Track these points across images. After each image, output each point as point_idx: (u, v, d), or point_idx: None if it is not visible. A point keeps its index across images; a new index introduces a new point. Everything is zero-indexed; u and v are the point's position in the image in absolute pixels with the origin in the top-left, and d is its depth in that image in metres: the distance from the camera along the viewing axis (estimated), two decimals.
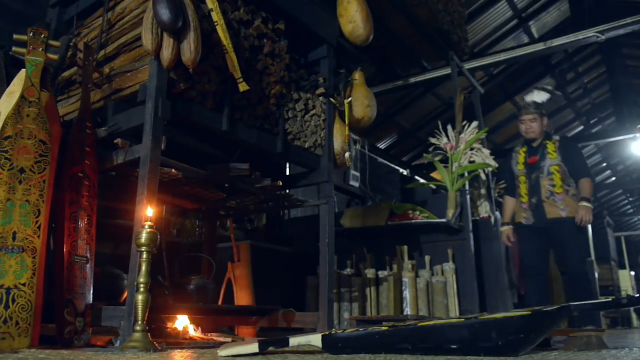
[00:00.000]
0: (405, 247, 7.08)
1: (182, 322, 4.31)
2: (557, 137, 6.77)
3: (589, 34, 8.57)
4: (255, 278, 6.24)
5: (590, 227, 14.26)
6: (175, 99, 3.76)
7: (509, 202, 7.00)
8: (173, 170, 3.92)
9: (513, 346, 2.66)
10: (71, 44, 4.36)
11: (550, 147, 6.66)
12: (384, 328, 2.83)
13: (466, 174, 7.30)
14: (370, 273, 7.10)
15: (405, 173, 14.21)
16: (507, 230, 6.91)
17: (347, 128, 5.16)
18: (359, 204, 10.81)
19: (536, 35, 13.38)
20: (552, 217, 6.47)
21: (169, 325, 4.23)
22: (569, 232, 6.41)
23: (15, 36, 3.67)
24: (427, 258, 7.09)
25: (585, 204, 6.35)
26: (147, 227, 3.12)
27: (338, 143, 5.11)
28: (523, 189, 6.76)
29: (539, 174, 6.62)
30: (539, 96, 6.94)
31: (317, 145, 4.96)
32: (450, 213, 6.98)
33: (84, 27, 4.70)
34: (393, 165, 13.97)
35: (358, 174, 10.31)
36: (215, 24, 3.88)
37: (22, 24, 4.17)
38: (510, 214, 6.97)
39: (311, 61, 5.36)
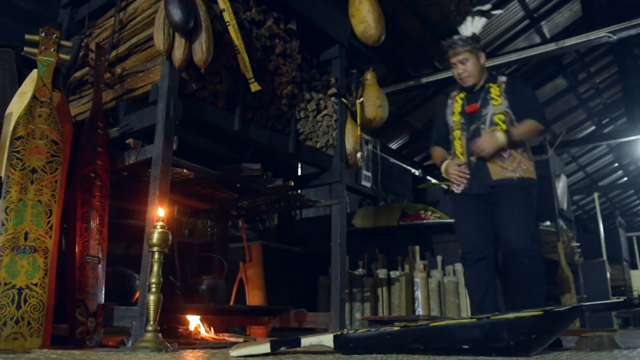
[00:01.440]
0: (417, 247, 7.05)
1: (193, 322, 4.30)
2: (503, 78, 5.14)
3: (601, 34, 8.53)
4: (267, 278, 6.22)
5: (600, 225, 14.22)
6: (187, 99, 3.75)
7: (438, 150, 5.37)
8: (184, 170, 3.91)
9: (524, 346, 2.64)
10: (83, 44, 4.36)
11: (494, 91, 5.07)
12: (396, 328, 2.82)
13: None
14: (382, 273, 7.07)
15: (416, 173, 14.19)
16: (447, 163, 5.14)
17: (358, 128, 5.15)
18: (371, 204, 10.81)
19: (548, 35, 13.33)
20: (497, 179, 4.84)
21: (181, 325, 4.22)
22: (511, 197, 4.79)
23: (27, 36, 3.66)
24: (439, 258, 7.05)
25: (500, 134, 4.82)
26: (158, 227, 3.10)
27: (350, 143, 5.09)
28: (458, 145, 5.11)
29: (480, 124, 4.99)
30: (469, 26, 5.29)
31: (329, 145, 4.94)
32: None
33: (96, 27, 4.69)
34: (404, 165, 13.96)
35: (370, 174, 10.31)
36: (227, 24, 3.87)
37: (34, 24, 4.16)
38: (442, 157, 5.27)
39: (323, 61, 5.35)
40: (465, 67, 5.08)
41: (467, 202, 5.06)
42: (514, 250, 4.73)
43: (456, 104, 5.25)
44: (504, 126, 4.86)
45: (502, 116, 4.92)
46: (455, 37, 5.18)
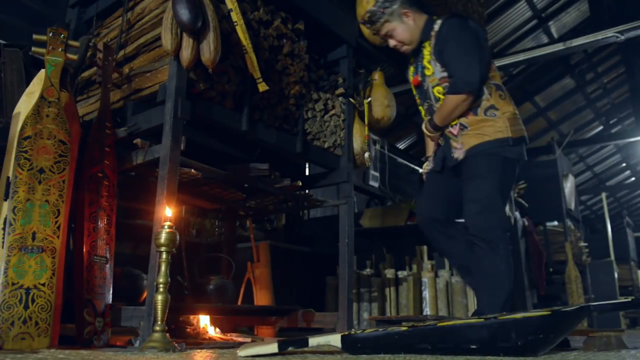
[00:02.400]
0: (425, 247, 7.04)
1: (201, 322, 4.30)
2: (435, 27, 4.18)
3: (608, 34, 8.53)
4: (275, 278, 6.21)
5: (608, 225, 14.19)
6: (195, 99, 3.74)
7: None
8: (192, 170, 3.90)
9: (532, 346, 2.63)
10: (90, 44, 4.35)
11: (426, 53, 4.25)
12: (403, 328, 2.81)
13: None
14: (389, 273, 7.07)
15: None
16: (425, 168, 4.57)
17: (366, 128, 5.13)
18: (378, 203, 10.81)
19: (555, 35, 13.32)
20: (456, 156, 4.13)
21: (189, 325, 4.21)
22: (471, 167, 4.04)
23: (34, 36, 3.65)
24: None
25: (424, 124, 4.36)
26: (166, 227, 3.09)
27: (357, 143, 5.08)
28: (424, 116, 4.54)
29: (429, 101, 4.35)
30: None
31: (337, 145, 4.93)
32: None
33: (103, 27, 4.69)
34: (412, 165, 13.97)
35: (377, 174, 10.31)
36: (235, 24, 3.86)
37: (42, 24, 4.17)
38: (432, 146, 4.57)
39: (330, 61, 5.34)
40: (395, 39, 4.32)
41: (433, 174, 4.41)
42: (470, 232, 3.96)
43: (409, 72, 4.57)
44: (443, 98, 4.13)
45: (440, 89, 4.14)
46: (365, 12, 4.38)
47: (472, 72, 3.92)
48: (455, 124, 4.08)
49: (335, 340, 2.85)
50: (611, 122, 18.41)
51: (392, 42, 4.38)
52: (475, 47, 4.01)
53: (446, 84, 4.05)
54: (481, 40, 4.10)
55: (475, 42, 4.04)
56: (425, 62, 4.20)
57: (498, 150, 3.95)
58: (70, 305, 3.33)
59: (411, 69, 4.50)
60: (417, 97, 4.53)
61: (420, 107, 4.50)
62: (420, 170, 4.62)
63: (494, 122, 3.99)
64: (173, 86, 3.59)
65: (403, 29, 4.25)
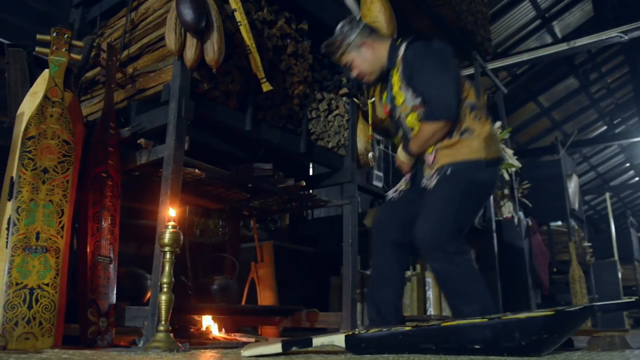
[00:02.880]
0: None
1: (205, 322, 4.29)
2: (400, 53, 3.86)
3: (612, 34, 8.52)
4: (278, 278, 6.20)
5: (612, 225, 14.18)
6: (199, 99, 3.74)
7: None
8: (196, 170, 3.90)
9: (536, 346, 2.63)
10: (94, 44, 4.35)
11: (395, 80, 3.93)
12: (407, 328, 2.80)
13: None
14: None
15: None
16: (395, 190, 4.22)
17: (370, 128, 5.12)
18: (382, 203, 10.79)
19: (559, 35, 13.31)
20: (427, 185, 3.85)
21: (193, 325, 4.21)
22: (435, 187, 3.73)
23: (38, 36, 3.65)
24: None
25: (399, 153, 4.07)
26: (170, 227, 3.09)
27: (361, 143, 5.07)
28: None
29: (402, 129, 4.06)
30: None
31: (340, 145, 4.92)
32: None
33: (107, 27, 4.69)
34: None
35: (381, 174, 10.27)
36: (239, 23, 3.86)
37: (45, 24, 4.17)
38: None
39: (334, 61, 5.34)
40: (355, 69, 4.02)
41: (404, 193, 4.15)
42: (419, 246, 3.69)
43: (377, 101, 4.41)
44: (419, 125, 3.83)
45: (414, 115, 3.83)
46: (323, 43, 4.15)
47: (448, 97, 3.65)
48: (431, 152, 3.77)
49: (339, 340, 2.84)
50: (615, 122, 18.41)
51: (354, 73, 4.09)
52: (445, 68, 3.73)
53: (421, 110, 3.75)
54: (449, 59, 3.82)
55: (445, 64, 3.75)
56: (395, 91, 3.90)
57: (466, 173, 3.68)
58: (74, 305, 3.34)
59: (380, 92, 4.27)
60: (388, 126, 4.45)
61: (396, 138, 4.25)
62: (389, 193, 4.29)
63: (469, 142, 3.70)
64: (177, 86, 3.58)
65: (362, 60, 3.97)
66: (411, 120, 3.85)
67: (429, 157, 3.78)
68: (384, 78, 4.08)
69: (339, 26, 4.00)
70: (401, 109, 3.88)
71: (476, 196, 3.85)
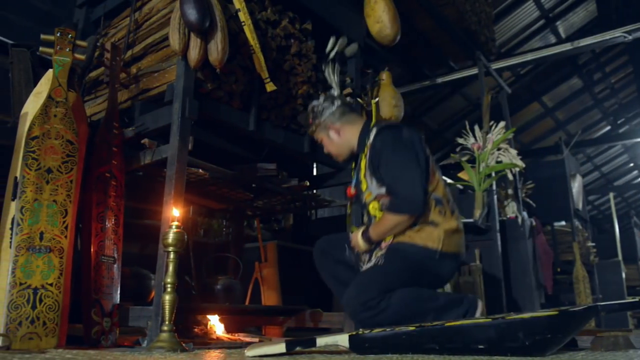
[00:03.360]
0: None
1: (209, 322, 4.29)
2: (370, 137, 3.74)
3: (616, 34, 8.49)
4: (282, 278, 6.20)
5: (616, 225, 14.16)
6: (202, 99, 3.74)
7: None
8: (200, 170, 3.90)
9: (540, 346, 2.62)
10: (98, 44, 4.36)
11: (362, 163, 3.84)
12: (411, 328, 2.80)
13: (493, 174, 7.22)
14: None
15: None
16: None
17: None
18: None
19: (563, 35, 13.29)
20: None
21: (196, 325, 4.21)
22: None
23: (42, 36, 3.65)
24: None
25: (358, 238, 3.75)
26: (174, 227, 3.09)
27: None
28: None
29: (365, 214, 3.98)
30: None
31: None
32: (477, 213, 6.87)
33: (111, 27, 4.69)
34: None
35: None
36: (243, 24, 3.86)
37: (49, 24, 4.17)
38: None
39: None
40: (325, 147, 3.99)
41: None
42: (346, 307, 3.64)
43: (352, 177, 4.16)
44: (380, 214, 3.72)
45: (375, 204, 3.74)
46: (304, 115, 4.24)
47: (414, 192, 3.52)
48: (389, 240, 3.63)
49: (342, 340, 2.84)
50: (619, 122, 18.37)
51: (324, 149, 4.02)
52: (413, 162, 3.58)
53: (385, 199, 3.61)
54: (418, 151, 3.65)
55: (413, 157, 3.59)
56: (361, 176, 3.78)
57: (414, 256, 3.54)
58: (78, 305, 3.33)
59: (352, 169, 4.16)
60: (349, 206, 4.45)
61: (348, 220, 4.38)
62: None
63: (430, 230, 3.57)
64: (181, 86, 3.58)
65: (329, 142, 3.93)
66: (373, 207, 3.75)
67: (383, 244, 3.65)
68: (355, 159, 3.99)
69: (316, 102, 3.96)
70: (365, 195, 3.77)
71: (415, 279, 3.56)
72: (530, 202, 9.71)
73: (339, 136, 3.89)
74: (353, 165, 4.14)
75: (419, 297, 3.44)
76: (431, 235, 3.55)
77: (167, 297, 3.02)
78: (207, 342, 3.96)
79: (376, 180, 3.65)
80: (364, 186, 3.75)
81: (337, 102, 3.92)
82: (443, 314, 3.37)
